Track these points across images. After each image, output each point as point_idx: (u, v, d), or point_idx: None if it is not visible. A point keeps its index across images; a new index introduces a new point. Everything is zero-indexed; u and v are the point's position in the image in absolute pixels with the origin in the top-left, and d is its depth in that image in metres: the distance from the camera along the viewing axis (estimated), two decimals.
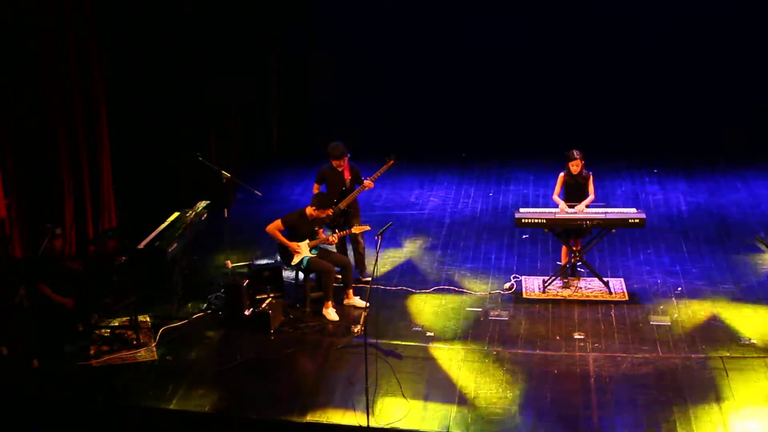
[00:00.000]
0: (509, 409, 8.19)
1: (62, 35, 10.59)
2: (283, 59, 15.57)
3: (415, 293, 10.51)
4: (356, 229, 10.16)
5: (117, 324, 9.75)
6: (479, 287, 10.63)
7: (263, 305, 9.81)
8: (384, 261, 11.29)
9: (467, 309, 10.12)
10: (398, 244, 11.92)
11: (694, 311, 9.90)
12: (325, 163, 10.64)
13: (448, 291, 10.55)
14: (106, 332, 9.58)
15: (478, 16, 15.48)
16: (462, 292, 10.51)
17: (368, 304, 9.05)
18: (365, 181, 10.53)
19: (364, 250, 10.81)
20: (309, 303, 10.08)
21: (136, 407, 8.44)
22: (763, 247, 11.42)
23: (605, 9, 15.07)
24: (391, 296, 10.45)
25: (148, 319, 9.89)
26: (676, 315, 9.82)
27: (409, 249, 11.82)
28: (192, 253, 10.91)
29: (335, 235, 10.11)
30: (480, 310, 10.08)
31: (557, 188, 10.46)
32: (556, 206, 10.38)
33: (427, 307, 10.19)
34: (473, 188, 14.13)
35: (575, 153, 10.30)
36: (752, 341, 9.21)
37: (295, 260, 9.92)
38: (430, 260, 11.45)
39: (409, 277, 10.97)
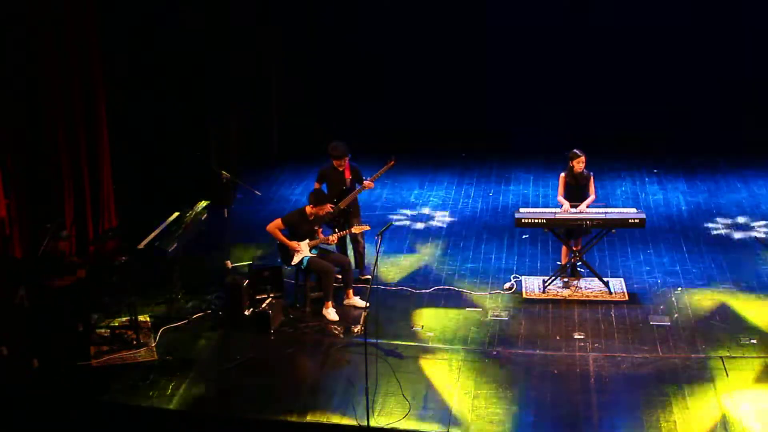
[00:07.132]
0: (509, 409, 8.19)
1: (62, 35, 10.58)
2: (283, 58, 15.56)
3: (415, 293, 10.51)
4: (356, 229, 10.16)
5: (117, 324, 9.75)
6: (479, 287, 10.63)
7: (263, 305, 9.81)
8: (384, 262, 11.28)
9: (467, 309, 10.12)
10: (398, 245, 11.90)
11: (694, 311, 9.90)
12: (325, 163, 10.65)
13: (448, 291, 10.55)
14: (106, 332, 9.59)
15: (478, 15, 15.50)
16: (462, 292, 10.51)
17: (368, 304, 9.05)
18: (365, 181, 10.55)
19: (365, 249, 10.81)
20: (309, 303, 10.09)
21: (136, 407, 8.44)
22: (763, 247, 11.43)
23: (605, 8, 15.08)
24: (391, 296, 10.44)
25: (148, 319, 9.89)
26: (676, 315, 9.82)
27: (409, 249, 11.81)
28: (192, 253, 10.91)
29: (335, 235, 10.12)
30: (480, 310, 10.08)
31: (560, 189, 10.45)
32: (560, 206, 10.38)
33: (427, 307, 10.19)
34: (473, 188, 14.13)
35: (579, 152, 10.30)
36: (752, 341, 9.21)
37: (295, 260, 9.91)
38: (430, 260, 11.45)
39: (409, 276, 10.97)
